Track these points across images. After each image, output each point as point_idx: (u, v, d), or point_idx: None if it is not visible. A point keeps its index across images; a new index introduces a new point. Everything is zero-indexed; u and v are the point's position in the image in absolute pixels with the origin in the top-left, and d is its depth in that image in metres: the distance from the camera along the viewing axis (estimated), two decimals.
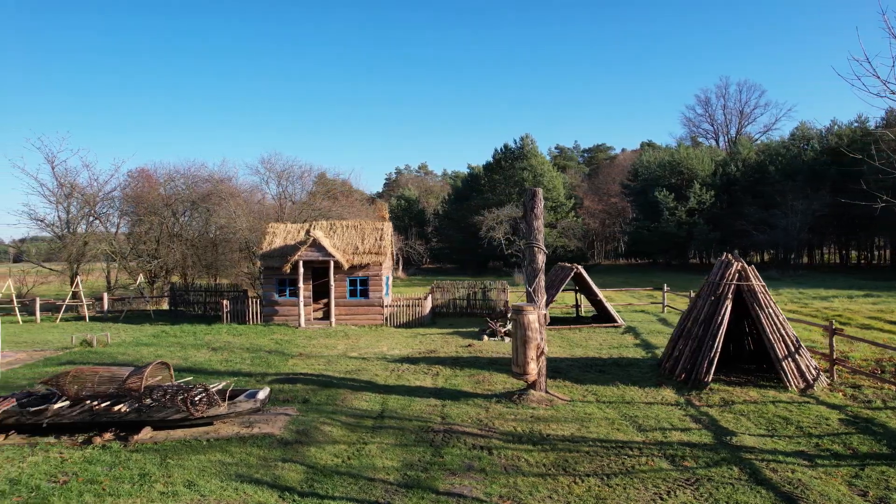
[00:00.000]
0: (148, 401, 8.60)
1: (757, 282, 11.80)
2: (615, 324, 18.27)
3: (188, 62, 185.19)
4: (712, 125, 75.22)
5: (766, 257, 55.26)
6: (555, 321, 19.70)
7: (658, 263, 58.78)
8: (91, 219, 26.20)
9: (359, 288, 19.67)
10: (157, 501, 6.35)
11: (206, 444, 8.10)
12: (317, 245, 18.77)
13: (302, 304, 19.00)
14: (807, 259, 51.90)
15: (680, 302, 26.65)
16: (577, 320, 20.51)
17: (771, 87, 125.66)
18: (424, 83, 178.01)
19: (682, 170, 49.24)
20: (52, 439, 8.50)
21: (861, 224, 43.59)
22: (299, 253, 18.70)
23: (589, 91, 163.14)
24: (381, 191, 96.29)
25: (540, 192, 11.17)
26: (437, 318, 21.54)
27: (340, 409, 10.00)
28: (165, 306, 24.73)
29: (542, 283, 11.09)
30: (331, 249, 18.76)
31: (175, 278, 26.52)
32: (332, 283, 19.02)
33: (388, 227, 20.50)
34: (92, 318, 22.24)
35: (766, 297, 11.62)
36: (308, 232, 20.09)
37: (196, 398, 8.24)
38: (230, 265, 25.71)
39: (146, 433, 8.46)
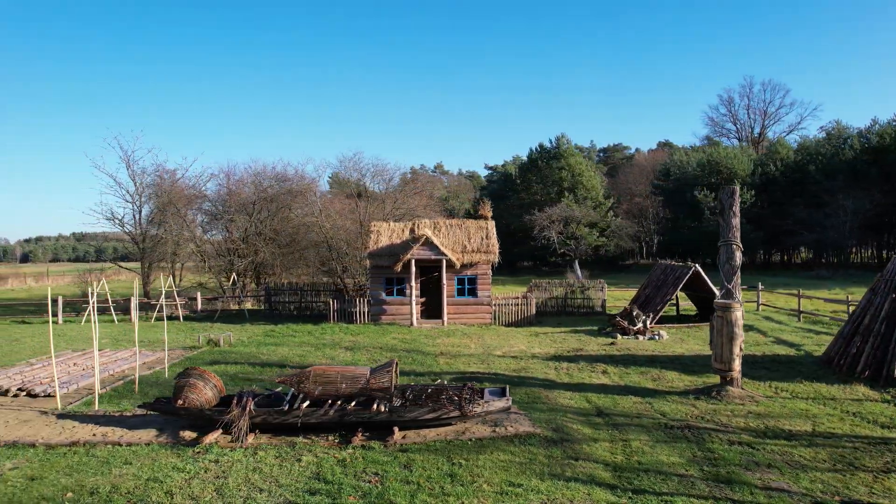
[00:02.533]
0: (397, 401, 8.51)
1: None
2: None
3: (186, 67, 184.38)
4: (735, 125, 75.47)
5: (803, 257, 55.47)
6: (660, 320, 19.65)
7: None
8: (178, 218, 25.92)
9: (467, 287, 19.60)
10: (506, 501, 6.26)
11: (473, 445, 7.98)
12: (429, 244, 18.68)
13: (414, 303, 18.90)
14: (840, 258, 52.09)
15: (774, 298, 26.45)
16: (680, 319, 20.48)
17: (792, 85, 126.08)
18: (426, 84, 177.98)
19: (720, 169, 49.34)
20: (302, 438, 8.38)
21: None
22: (411, 252, 18.60)
23: (595, 91, 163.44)
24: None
25: (737, 189, 11.15)
26: (538, 316, 21.41)
27: (555, 407, 9.93)
28: (249, 305, 24.57)
29: (739, 281, 11.06)
30: (443, 248, 18.67)
31: (247, 278, 26.35)
32: (444, 281, 18.94)
33: (492, 225, 20.45)
34: (186, 318, 22.08)
35: None
36: (413, 230, 20.03)
37: (466, 397, 8.15)
38: (306, 263, 25.58)
39: (398, 433, 8.35)
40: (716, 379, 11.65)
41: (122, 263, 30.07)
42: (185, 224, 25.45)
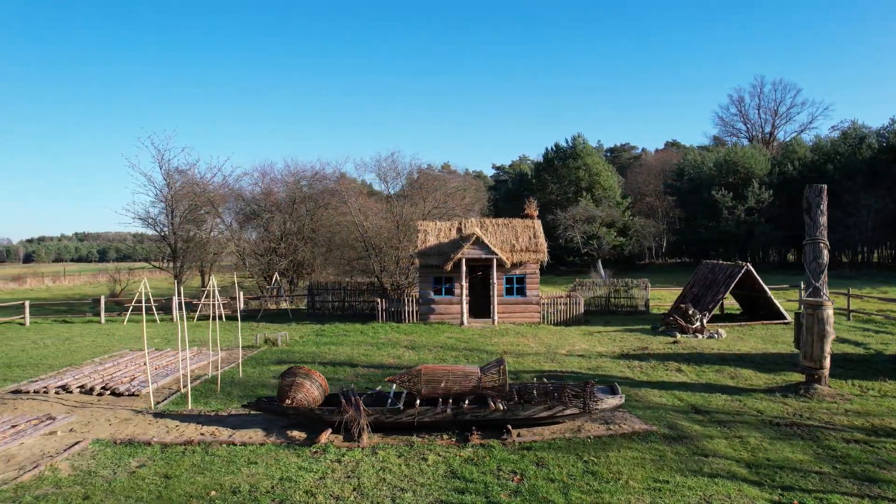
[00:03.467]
0: (509, 400, 8.49)
1: None
2: (784, 321, 18.23)
3: (189, 67, 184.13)
4: (746, 124, 75.53)
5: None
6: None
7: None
8: (216, 217, 25.90)
9: (515, 286, 19.59)
10: (662, 498, 6.24)
11: (595, 442, 7.95)
12: (479, 243, 18.66)
13: (465, 303, 18.89)
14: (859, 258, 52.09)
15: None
16: (726, 318, 20.46)
17: (800, 84, 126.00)
18: (429, 83, 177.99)
19: (738, 169, 49.43)
20: (416, 438, 8.34)
21: None
22: (462, 251, 18.58)
23: (599, 92, 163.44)
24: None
25: (825, 188, 11.14)
26: (584, 315, 21.30)
27: (651, 405, 9.90)
28: (285, 305, 24.54)
29: (826, 279, 11.05)
30: (493, 247, 18.65)
31: (285, 278, 26.21)
32: (494, 281, 18.92)
33: (539, 224, 20.43)
34: (228, 318, 22.01)
35: None
36: (460, 230, 20.03)
37: (580, 395, 8.13)
38: (337, 263, 25.58)
39: (514, 432, 8.32)
40: (794, 377, 11.67)
41: (153, 263, 29.87)
42: (226, 224, 25.39)
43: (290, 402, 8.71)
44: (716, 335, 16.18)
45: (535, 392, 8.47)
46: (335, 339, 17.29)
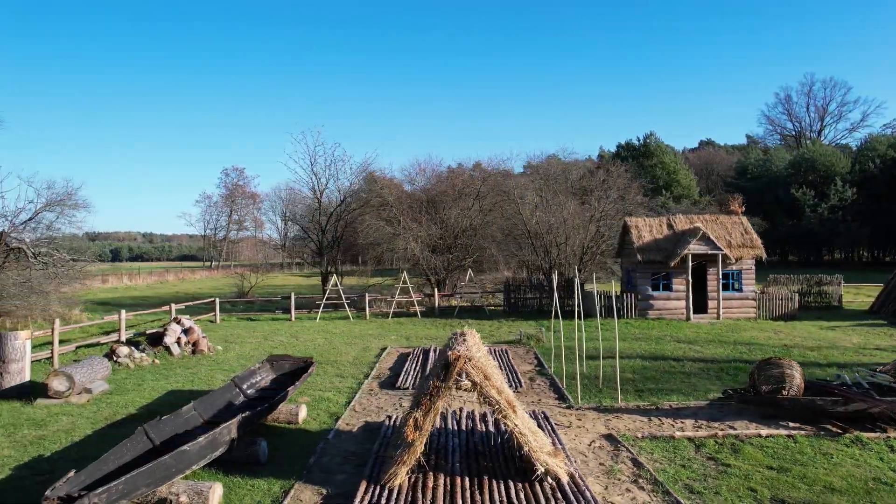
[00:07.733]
0: None
1: None
2: None
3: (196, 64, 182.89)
4: (792, 123, 76.05)
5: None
6: None
7: (778, 262, 60.15)
8: (391, 213, 25.65)
9: (731, 281, 19.63)
10: None
11: None
12: (705, 239, 18.68)
13: (690, 298, 18.90)
14: None
15: None
16: None
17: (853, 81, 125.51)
18: (435, 84, 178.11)
19: (817, 167, 49.79)
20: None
21: None
22: (688, 246, 18.59)
23: (619, 92, 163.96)
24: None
25: None
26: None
27: None
28: (455, 302, 24.36)
29: None
30: (718, 243, 18.68)
31: (461, 274, 25.87)
32: (719, 276, 18.95)
33: (746, 220, 20.50)
34: (423, 315, 21.85)
35: None
36: (671, 226, 20.08)
37: None
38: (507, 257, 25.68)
39: None
40: None
41: (303, 260, 29.47)
42: (400, 219, 25.11)
43: (786, 392, 8.69)
44: None
45: None
46: (586, 335, 17.21)
